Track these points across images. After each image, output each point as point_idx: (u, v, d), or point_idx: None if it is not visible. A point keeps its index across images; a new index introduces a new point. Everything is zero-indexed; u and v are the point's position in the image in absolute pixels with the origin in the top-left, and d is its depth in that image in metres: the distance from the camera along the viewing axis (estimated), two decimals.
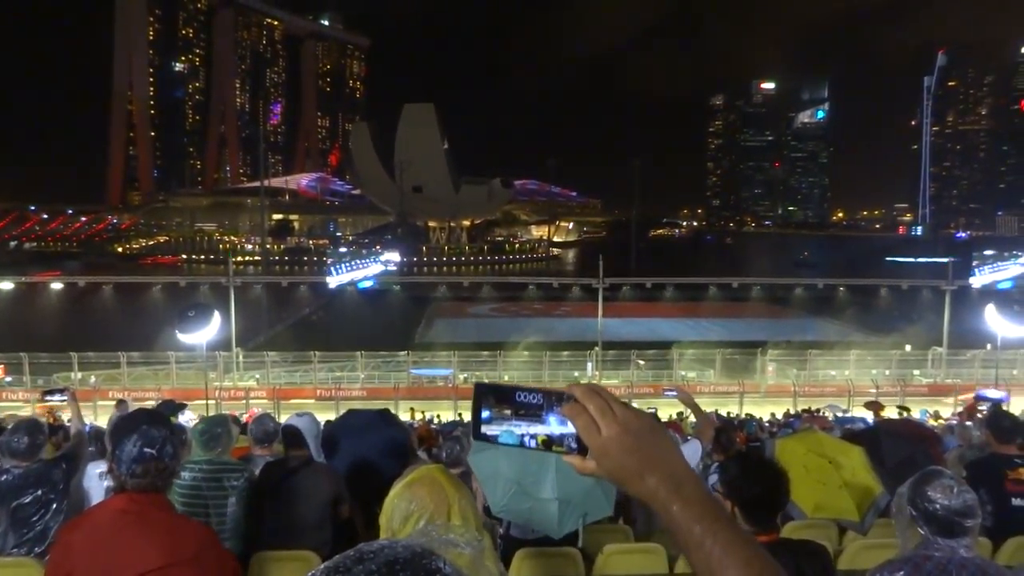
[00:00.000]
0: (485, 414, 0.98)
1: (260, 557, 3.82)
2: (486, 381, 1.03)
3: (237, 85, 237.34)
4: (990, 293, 34.31)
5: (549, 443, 0.97)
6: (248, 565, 3.81)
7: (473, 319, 54.79)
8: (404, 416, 19.83)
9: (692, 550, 0.89)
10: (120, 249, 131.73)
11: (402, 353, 31.87)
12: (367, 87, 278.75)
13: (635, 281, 55.80)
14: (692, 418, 14.99)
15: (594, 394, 0.95)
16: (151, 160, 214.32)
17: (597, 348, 31.77)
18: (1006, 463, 4.56)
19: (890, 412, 14.95)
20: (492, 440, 0.98)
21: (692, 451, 5.32)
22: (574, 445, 0.96)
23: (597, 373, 30.33)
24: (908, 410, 15.76)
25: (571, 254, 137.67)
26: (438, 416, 21.96)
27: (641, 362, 31.12)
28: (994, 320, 25.34)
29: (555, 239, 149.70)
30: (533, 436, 0.97)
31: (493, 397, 0.98)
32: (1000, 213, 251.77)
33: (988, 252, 40.99)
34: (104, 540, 1.85)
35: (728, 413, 20.24)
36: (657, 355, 31.68)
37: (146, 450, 2.01)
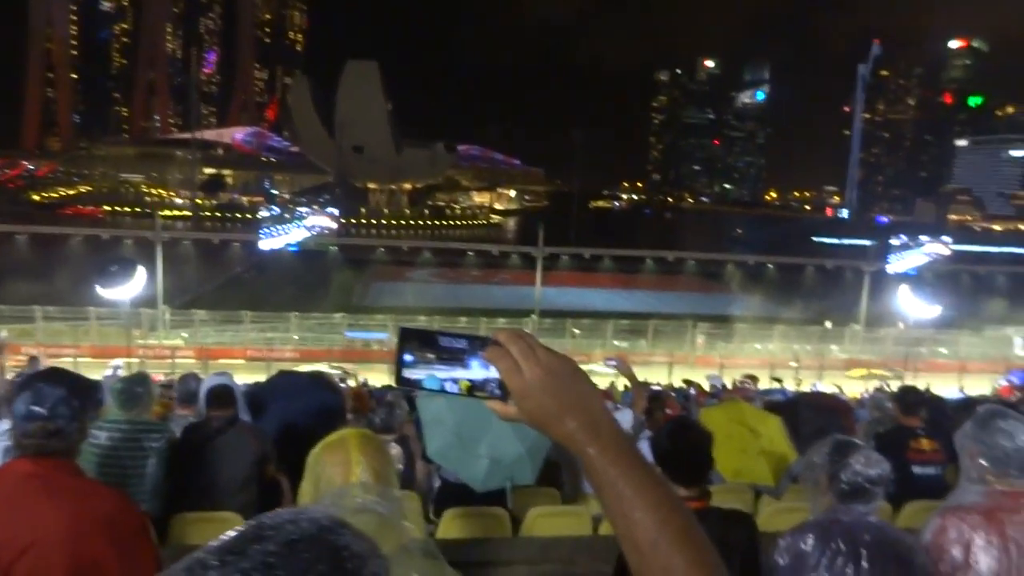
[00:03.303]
0: (408, 358, 0.96)
1: (181, 519, 3.73)
2: (410, 325, 1.01)
3: (169, 30, 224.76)
4: (904, 276, 36.15)
5: (472, 388, 0.96)
6: (169, 527, 3.72)
7: (411, 283, 54.35)
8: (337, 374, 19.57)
9: (605, 491, 0.90)
10: (37, 198, 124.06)
11: (337, 315, 31.38)
12: (308, 40, 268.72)
13: (574, 251, 56.26)
14: (624, 387, 15.38)
15: (518, 338, 0.94)
16: (71, 104, 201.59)
17: (534, 316, 32.06)
18: (909, 434, 4.87)
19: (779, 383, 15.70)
20: (415, 385, 0.96)
21: (622, 420, 5.44)
22: (497, 391, 0.95)
23: None
24: (780, 381, 17.65)
25: (512, 222, 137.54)
26: (363, 379, 21.79)
27: (576, 331, 31.60)
28: (907, 301, 26.79)
29: (496, 206, 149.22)
30: (456, 381, 0.95)
31: (417, 341, 0.96)
32: (919, 200, 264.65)
33: (895, 241, 42.94)
34: (4, 506, 1.74)
35: (658, 383, 20.87)
36: (592, 325, 32.21)
37: (34, 408, 1.87)
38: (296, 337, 29.80)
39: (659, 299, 49.64)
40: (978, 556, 2.21)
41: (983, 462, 2.40)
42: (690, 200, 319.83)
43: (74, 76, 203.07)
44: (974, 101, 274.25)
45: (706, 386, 16.80)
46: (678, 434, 2.50)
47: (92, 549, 1.73)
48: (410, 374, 0.96)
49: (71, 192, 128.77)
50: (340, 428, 1.76)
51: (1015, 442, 2.35)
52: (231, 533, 0.61)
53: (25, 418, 1.88)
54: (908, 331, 28.88)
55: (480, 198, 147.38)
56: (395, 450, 4.65)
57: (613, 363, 9.52)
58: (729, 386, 14.54)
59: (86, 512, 1.78)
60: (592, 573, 3.11)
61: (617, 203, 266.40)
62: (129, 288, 19.61)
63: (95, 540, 1.74)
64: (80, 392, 1.97)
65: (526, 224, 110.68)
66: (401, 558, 0.78)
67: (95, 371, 20.57)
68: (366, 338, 31.02)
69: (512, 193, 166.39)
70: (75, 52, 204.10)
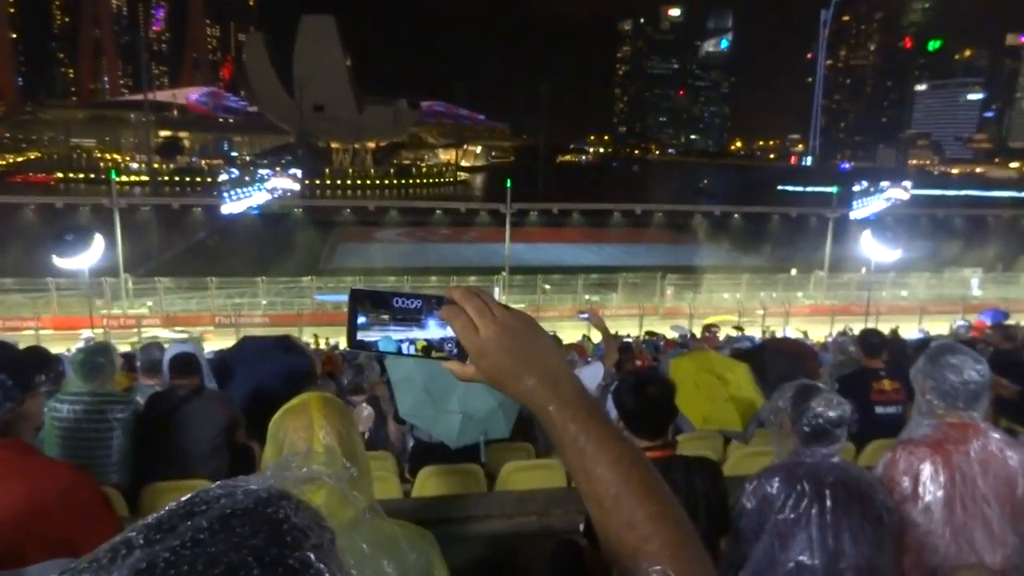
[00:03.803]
0: (361, 320, 0.92)
1: (151, 489, 3.69)
2: (361, 287, 0.96)
3: None
4: (866, 220, 36.82)
5: (428, 349, 0.93)
6: (139, 497, 3.69)
7: (379, 244, 53.85)
8: (309, 342, 19.46)
9: (566, 447, 0.89)
10: None
11: (306, 278, 31.02)
12: None
13: (542, 207, 56.11)
14: (595, 339, 15.55)
15: (473, 296, 0.91)
16: (13, 66, 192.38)
17: (504, 273, 32.05)
18: (872, 375, 5.00)
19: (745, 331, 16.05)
20: (369, 348, 0.93)
21: (594, 373, 5.48)
22: (454, 350, 0.92)
23: (504, 297, 30.73)
24: (742, 329, 18.14)
25: (479, 179, 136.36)
26: (334, 342, 21.71)
27: (547, 286, 31.74)
28: (869, 246, 27.31)
29: (463, 163, 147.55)
30: (412, 342, 0.93)
31: (369, 302, 0.93)
32: (881, 146, 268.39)
33: (857, 188, 43.59)
34: None
35: (628, 335, 21.15)
36: (563, 280, 32.37)
37: None
38: (264, 302, 29.44)
39: (627, 252, 50.00)
40: (926, 486, 2.30)
41: (932, 396, 2.47)
42: (656, 152, 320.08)
43: (13, 36, 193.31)
44: (933, 45, 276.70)
45: (670, 336, 17.13)
46: (639, 388, 2.51)
47: (52, 527, 1.68)
48: (364, 336, 0.93)
49: (19, 159, 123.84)
50: (309, 391, 1.74)
51: (962, 376, 2.41)
52: (162, 510, 0.56)
53: None
54: (870, 275, 29.53)
55: (446, 155, 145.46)
56: (366, 411, 4.63)
57: (586, 316, 9.60)
58: (698, 335, 14.83)
59: (42, 489, 1.73)
60: (567, 524, 3.15)
61: (584, 157, 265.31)
62: (87, 257, 19.10)
63: (55, 518, 1.69)
64: (15, 367, 1.89)
65: (493, 180, 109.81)
66: (349, 529, 0.76)
67: (59, 344, 20.17)
68: (336, 300, 30.78)
69: (478, 149, 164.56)
70: (12, 9, 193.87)
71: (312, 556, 0.54)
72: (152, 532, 0.53)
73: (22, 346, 4.63)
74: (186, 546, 0.51)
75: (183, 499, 0.57)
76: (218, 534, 0.53)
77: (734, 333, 16.69)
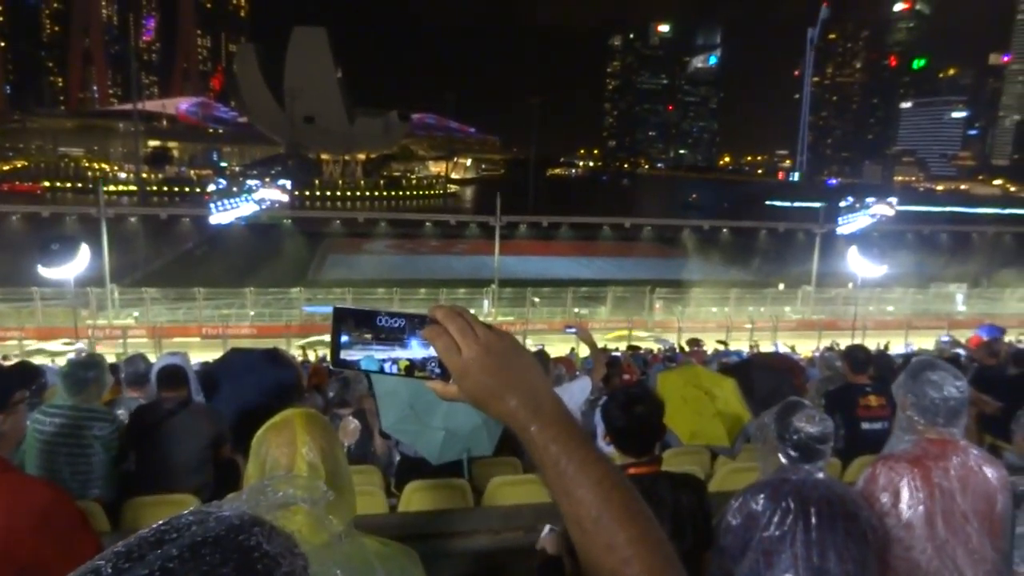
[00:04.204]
0: (344, 339, 0.93)
1: (134, 503, 3.65)
2: (344, 305, 0.97)
3: None
4: (853, 236, 37.17)
5: (411, 368, 0.93)
6: (122, 512, 3.64)
7: (368, 256, 53.73)
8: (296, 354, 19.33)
9: (548, 469, 0.89)
10: None
11: (294, 290, 30.89)
12: (252, 5, 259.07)
13: (532, 220, 56.29)
14: (584, 354, 15.56)
15: (456, 315, 0.91)
16: (1, 74, 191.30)
17: (494, 286, 32.05)
18: (858, 391, 5.02)
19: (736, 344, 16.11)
20: (352, 366, 0.93)
21: (582, 387, 5.47)
22: (437, 370, 0.92)
23: (493, 310, 30.69)
24: (726, 344, 18.07)
25: (469, 191, 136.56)
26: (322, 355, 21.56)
27: (536, 300, 31.76)
28: (855, 262, 27.57)
29: (453, 176, 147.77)
30: (395, 361, 0.93)
31: (353, 320, 0.93)
32: (867, 162, 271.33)
33: (843, 203, 44.14)
34: None
35: (616, 349, 21.17)
36: (552, 293, 32.40)
37: None
38: (252, 313, 29.27)
39: (617, 265, 50.15)
40: (905, 502, 2.31)
41: (912, 412, 2.49)
42: (645, 166, 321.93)
43: (2, 44, 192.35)
44: (918, 63, 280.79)
45: (654, 350, 17.18)
46: (628, 406, 2.51)
47: (28, 547, 1.64)
48: (347, 355, 0.93)
49: (6, 167, 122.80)
50: (296, 405, 1.72)
51: (942, 392, 2.44)
52: (132, 537, 0.56)
53: None
54: (856, 290, 29.77)
55: (436, 167, 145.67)
56: (352, 424, 4.61)
57: (573, 330, 9.60)
58: (677, 349, 14.85)
59: (18, 509, 1.69)
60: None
61: (574, 170, 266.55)
62: (73, 267, 18.96)
63: (31, 538, 1.66)
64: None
65: (483, 193, 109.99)
66: (323, 554, 0.76)
67: (41, 355, 19.90)
68: (325, 312, 30.62)
69: (468, 162, 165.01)
70: (1, 18, 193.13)
71: None
72: (121, 560, 0.53)
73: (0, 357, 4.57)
74: (154, 575, 0.51)
75: (153, 526, 0.57)
76: (188, 563, 0.52)
77: (720, 348, 16.76)
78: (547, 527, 2.42)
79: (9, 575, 1.58)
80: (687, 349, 14.75)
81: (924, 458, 2.37)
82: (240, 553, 0.54)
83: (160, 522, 0.57)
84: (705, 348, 14.52)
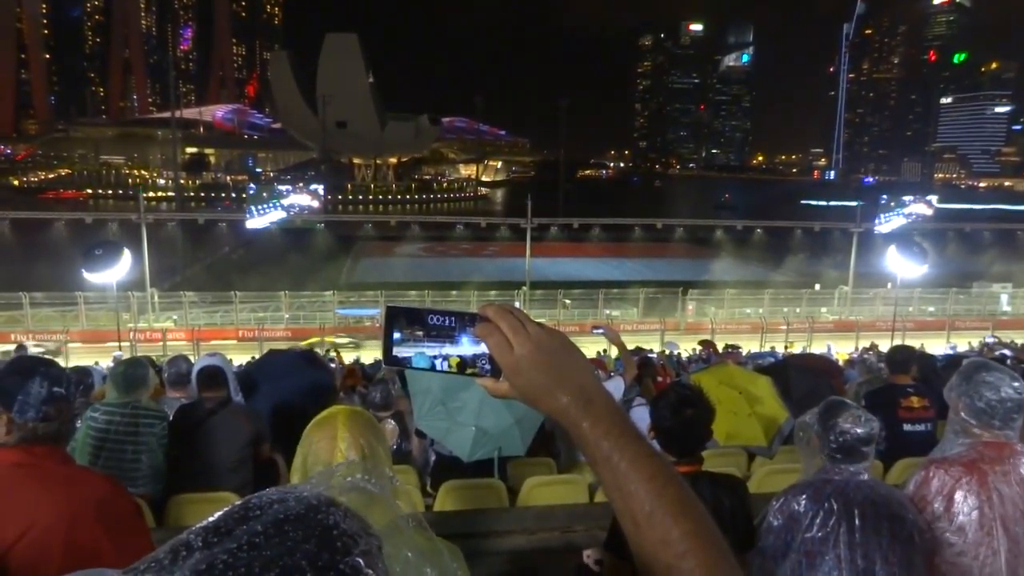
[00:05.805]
0: (396, 336, 0.94)
1: (177, 500, 3.73)
2: (397, 304, 0.98)
3: (142, 6, 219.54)
4: (892, 235, 36.35)
5: (462, 365, 0.94)
6: (165, 508, 3.73)
7: (400, 258, 54.22)
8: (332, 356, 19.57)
9: (600, 465, 0.90)
10: (16, 182, 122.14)
11: (328, 293, 31.30)
12: (285, 14, 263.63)
13: (563, 221, 56.20)
14: (615, 354, 15.45)
15: (507, 313, 0.93)
16: (47, 85, 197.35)
17: (525, 288, 32.08)
18: (900, 392, 4.90)
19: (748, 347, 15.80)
20: (404, 363, 0.95)
21: (614, 388, 5.44)
22: (487, 366, 0.93)
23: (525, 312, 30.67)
24: (738, 347, 17.74)
25: (499, 193, 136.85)
26: (355, 357, 21.80)
27: (568, 301, 31.68)
28: (895, 261, 26.92)
29: (483, 178, 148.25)
30: (446, 358, 0.94)
31: (405, 319, 0.94)
32: (905, 160, 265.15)
33: (881, 200, 43.23)
34: None
35: (651, 350, 20.98)
36: (583, 294, 32.29)
37: (55, 389, 1.87)
38: (287, 316, 29.74)
39: (649, 267, 49.78)
40: (960, 506, 2.24)
41: (966, 414, 2.42)
42: (677, 166, 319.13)
43: (47, 56, 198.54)
44: (958, 58, 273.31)
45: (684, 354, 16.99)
46: (678, 408, 2.50)
47: (87, 535, 1.72)
48: (399, 352, 0.94)
49: (51, 176, 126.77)
50: (332, 405, 1.76)
51: (999, 394, 2.36)
52: (218, 514, 0.59)
53: (47, 401, 1.86)
54: (895, 290, 29.09)
55: (467, 170, 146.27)
56: (390, 426, 4.66)
57: (600, 331, 9.53)
58: (683, 354, 14.64)
59: (79, 498, 1.77)
60: (589, 539, 3.13)
61: (604, 171, 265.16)
62: (115, 271, 19.45)
63: (89, 526, 1.73)
64: (65, 380, 1.94)
65: (514, 195, 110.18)
66: (393, 535, 0.77)
67: (87, 357, 20.46)
68: (358, 314, 30.99)
69: (499, 164, 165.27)
70: (47, 32, 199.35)
71: (361, 562, 0.56)
72: (210, 535, 0.55)
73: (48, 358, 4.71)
74: (243, 549, 0.53)
75: (238, 503, 0.60)
76: (272, 538, 0.55)
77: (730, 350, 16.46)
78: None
79: (66, 561, 1.64)
80: (699, 351, 14.55)
81: (980, 462, 2.30)
82: (321, 530, 0.57)
83: (243, 500, 0.60)
84: (741, 350, 14.31)
